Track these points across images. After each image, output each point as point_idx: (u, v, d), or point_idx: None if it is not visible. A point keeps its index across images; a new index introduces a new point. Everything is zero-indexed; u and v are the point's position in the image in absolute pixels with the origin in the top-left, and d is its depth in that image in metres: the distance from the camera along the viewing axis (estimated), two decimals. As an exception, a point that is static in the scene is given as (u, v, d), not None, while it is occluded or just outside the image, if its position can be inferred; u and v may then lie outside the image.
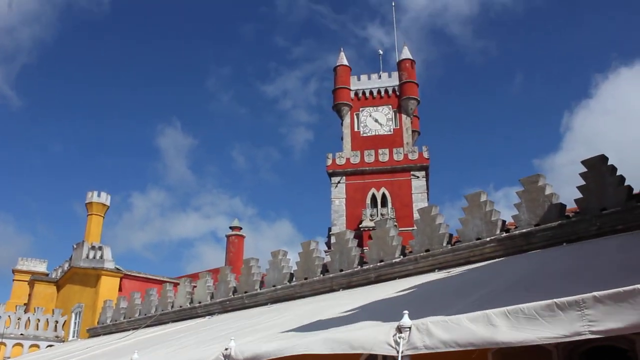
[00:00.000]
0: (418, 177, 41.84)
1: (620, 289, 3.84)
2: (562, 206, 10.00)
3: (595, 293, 3.97)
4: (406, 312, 5.49)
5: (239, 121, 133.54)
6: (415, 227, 12.85)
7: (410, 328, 5.34)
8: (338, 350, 5.83)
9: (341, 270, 14.26)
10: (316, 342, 6.12)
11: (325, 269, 15.03)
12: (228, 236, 29.45)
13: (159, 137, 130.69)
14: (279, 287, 16.09)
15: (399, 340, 5.34)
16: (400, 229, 15.84)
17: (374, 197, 41.91)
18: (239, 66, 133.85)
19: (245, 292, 17.39)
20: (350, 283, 13.78)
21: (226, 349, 7.55)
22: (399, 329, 5.42)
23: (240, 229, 29.80)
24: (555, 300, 4.19)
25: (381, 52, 51.37)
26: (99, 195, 31.89)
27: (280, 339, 7.26)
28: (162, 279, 27.08)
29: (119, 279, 26.99)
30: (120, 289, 26.58)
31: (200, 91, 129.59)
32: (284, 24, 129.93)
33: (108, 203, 32.41)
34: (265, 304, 16.18)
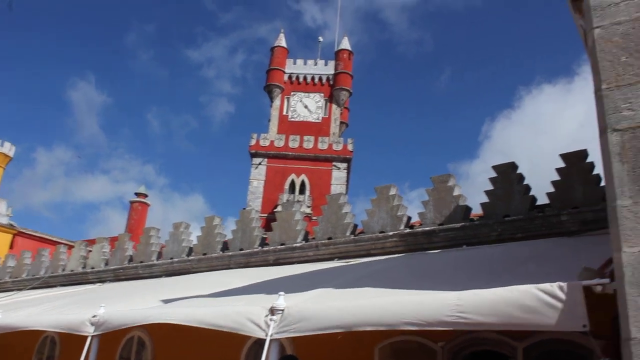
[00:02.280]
0: (339, 168, 41.84)
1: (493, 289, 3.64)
2: (468, 209, 9.90)
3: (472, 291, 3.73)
4: (282, 294, 5.08)
5: (157, 84, 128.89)
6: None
7: (283, 311, 4.93)
8: (203, 324, 5.35)
9: (241, 250, 13.77)
10: (182, 314, 5.62)
11: (225, 247, 14.50)
12: (131, 202, 28.14)
13: (69, 91, 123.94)
14: (176, 260, 15.41)
15: (269, 322, 4.93)
16: (314, 217, 15.50)
17: (292, 183, 41.58)
18: (163, 26, 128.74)
19: (141, 262, 16.58)
20: (249, 263, 13.32)
21: (94, 316, 6.99)
22: (272, 311, 5.00)
23: (146, 196, 28.58)
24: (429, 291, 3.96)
25: (321, 39, 50.98)
26: (2, 145, 29.73)
27: (151, 308, 6.71)
28: (58, 240, 25.61)
29: (11, 235, 25.32)
30: (11, 247, 24.95)
31: (119, 46, 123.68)
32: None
33: (11, 154, 30.36)
34: (160, 276, 15.49)
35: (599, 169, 8.22)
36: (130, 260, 17.16)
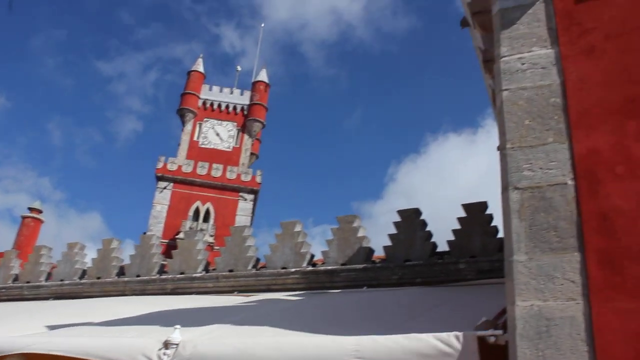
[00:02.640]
0: (246, 199, 41.53)
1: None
2: (371, 250, 10.05)
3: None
4: (178, 327, 4.89)
5: (62, 93, 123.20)
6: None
7: (177, 345, 4.74)
8: (91, 357, 5.03)
9: (138, 276, 13.23)
10: (68, 344, 5.27)
11: (121, 272, 13.89)
12: (23, 217, 26.46)
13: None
14: (67, 282, 14.55)
15: (162, 357, 4.72)
16: (216, 247, 15.17)
17: (197, 211, 40.79)
18: (75, 34, 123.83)
19: (28, 282, 15.53)
20: (145, 290, 12.80)
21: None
22: (166, 345, 4.79)
23: (40, 212, 26.96)
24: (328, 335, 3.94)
25: (239, 68, 51.01)
26: None
27: (34, 334, 6.25)
28: None
29: None
30: None
31: (24, 48, 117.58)
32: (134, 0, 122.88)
33: None
34: (48, 298, 14.56)
35: (496, 221, 8.64)
36: (16, 279, 16.05)
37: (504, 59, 3.96)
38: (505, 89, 3.86)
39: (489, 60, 5.02)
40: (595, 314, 3.21)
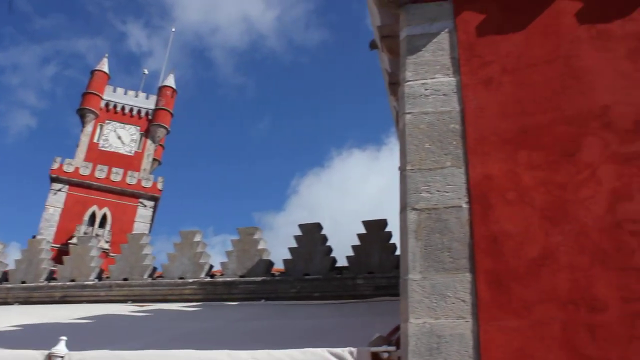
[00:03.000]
0: (146, 206, 40.29)
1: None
2: (270, 263, 10.04)
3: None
4: (63, 338, 4.64)
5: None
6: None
7: (63, 358, 4.50)
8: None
9: (23, 282, 12.46)
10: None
11: (5, 278, 13.02)
12: None
13: None
14: (-60, 287, 13.46)
15: (45, 370, 4.45)
16: (112, 254, 14.55)
17: (93, 215, 39.09)
18: None
19: None
20: (30, 298, 12.07)
21: None
22: (50, 357, 4.54)
23: None
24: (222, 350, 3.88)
25: (146, 72, 49.66)
26: None
27: None
28: None
29: None
30: None
31: None
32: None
33: None
34: None
35: (395, 239, 8.88)
36: None
37: (408, 83, 4.11)
38: (408, 113, 4.00)
39: (395, 83, 5.19)
40: (483, 332, 3.36)
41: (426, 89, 4.07)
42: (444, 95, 4.02)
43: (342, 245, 9.48)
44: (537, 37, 4.14)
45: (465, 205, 3.69)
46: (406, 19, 4.37)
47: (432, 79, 4.10)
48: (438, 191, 3.76)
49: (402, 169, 3.90)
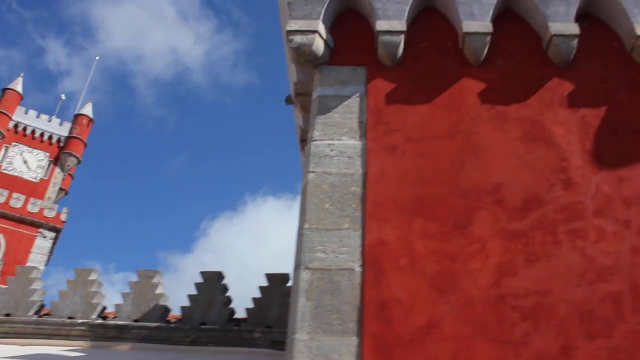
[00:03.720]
0: (46, 237, 38.23)
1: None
2: (167, 309, 9.67)
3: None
4: None
5: None
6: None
7: None
8: None
9: None
10: None
11: None
12: None
13: None
14: None
15: None
16: (1, 285, 13.60)
17: (-15, 242, 36.62)
18: None
19: None
20: None
21: None
22: None
23: None
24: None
25: (63, 97, 48.03)
26: None
27: None
28: None
29: None
30: None
31: None
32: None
33: None
34: None
35: (295, 294, 8.79)
36: None
37: (315, 142, 4.16)
38: (312, 171, 4.04)
39: (305, 140, 5.25)
40: (363, 398, 3.34)
41: (332, 150, 4.14)
42: (348, 157, 4.10)
43: (245, 295, 9.31)
44: (442, 111, 4.33)
45: (358, 269, 3.71)
46: (320, 79, 4.47)
47: (339, 140, 4.17)
48: (333, 252, 3.77)
49: (300, 227, 3.90)
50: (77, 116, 43.75)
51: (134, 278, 10.09)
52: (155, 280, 9.89)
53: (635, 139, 4.30)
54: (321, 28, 4.53)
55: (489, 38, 4.54)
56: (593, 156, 4.22)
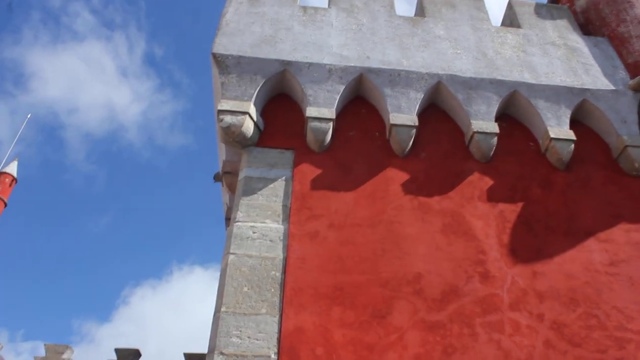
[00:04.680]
0: (-49, 300, 35.68)
1: None
2: (74, 387, 9.08)
3: None
4: None
5: None
6: None
7: None
8: None
9: None
10: None
11: None
12: None
13: None
14: None
15: None
16: None
17: None
18: None
19: None
20: None
21: None
22: None
23: None
24: None
25: (-13, 154, 46.10)
26: None
27: None
28: None
29: None
30: None
31: None
32: None
33: None
34: None
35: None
36: None
37: (237, 224, 4.11)
38: (232, 253, 3.97)
39: (230, 219, 5.18)
40: None
41: (254, 232, 4.09)
42: (270, 241, 4.06)
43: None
44: (366, 199, 4.40)
45: (273, 356, 3.61)
46: (247, 160, 4.48)
47: (262, 223, 4.14)
48: (249, 337, 3.66)
49: (217, 311, 3.78)
50: (0, 174, 42.00)
51: (38, 357, 9.47)
52: (65, 356, 9.31)
53: (548, 235, 4.47)
54: (252, 110, 4.58)
55: (414, 131, 4.71)
56: (509, 250, 4.35)
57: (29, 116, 50.13)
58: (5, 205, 40.86)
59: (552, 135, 4.83)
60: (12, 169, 42.11)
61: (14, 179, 41.86)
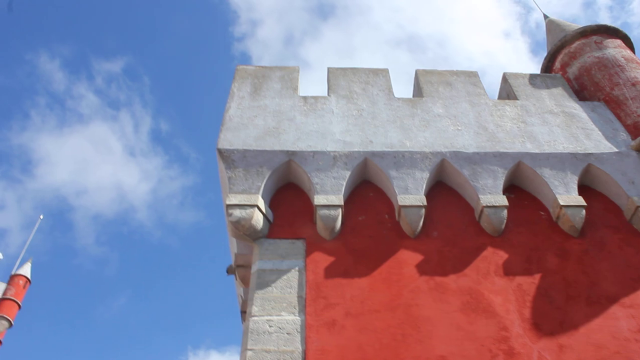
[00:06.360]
0: (-34, 410, 34.79)
1: None
2: None
3: None
4: None
5: None
6: None
7: None
8: None
9: None
10: None
11: None
12: None
13: None
14: None
15: None
16: None
17: None
18: None
19: None
20: None
21: None
22: None
23: None
24: None
25: (1, 257, 46.19)
26: None
27: None
28: None
29: None
30: None
31: None
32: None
33: None
34: None
35: None
36: None
37: (253, 318, 4.06)
38: (250, 349, 3.88)
39: (245, 312, 5.12)
40: None
41: (270, 326, 4.03)
42: (287, 334, 3.99)
43: None
44: (381, 283, 4.35)
45: None
46: (259, 253, 4.47)
47: (278, 316, 4.08)
48: None
49: (237, 412, 3.67)
50: (14, 276, 41.94)
51: None
52: None
53: (570, 305, 4.37)
54: (261, 202, 4.61)
55: (423, 210, 4.71)
56: (532, 324, 4.24)
57: (40, 217, 50.51)
58: (19, 307, 40.59)
59: (562, 203, 4.82)
60: (26, 270, 42.12)
61: (27, 281, 41.78)
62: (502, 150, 5.15)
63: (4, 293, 40.62)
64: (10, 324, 40.07)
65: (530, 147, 5.22)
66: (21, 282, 41.56)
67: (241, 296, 5.53)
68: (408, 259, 4.52)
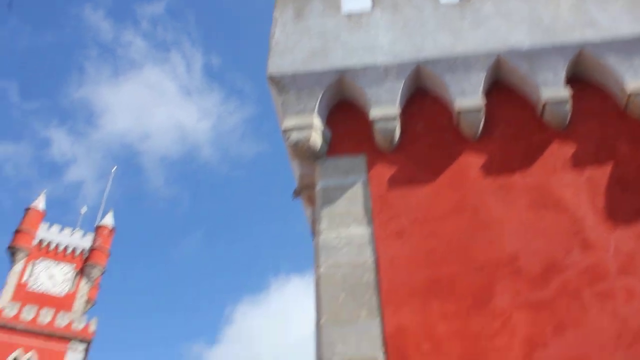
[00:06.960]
0: (76, 349, 37.92)
1: None
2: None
3: None
4: None
5: None
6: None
7: None
8: None
9: None
10: None
11: None
12: None
13: None
14: None
15: None
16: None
17: (16, 362, 36.36)
18: None
19: None
20: None
21: None
22: None
23: None
24: None
25: (84, 210, 48.86)
26: None
27: None
28: None
29: None
30: None
31: None
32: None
33: None
34: None
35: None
36: None
37: (322, 235, 4.18)
38: (322, 265, 4.02)
39: (315, 232, 5.26)
40: None
41: (340, 240, 4.14)
42: (357, 246, 4.09)
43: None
44: (445, 189, 4.35)
45: (381, 358, 3.63)
46: (321, 172, 4.54)
47: (347, 230, 4.18)
48: (354, 344, 3.70)
49: (317, 321, 3.85)
50: (98, 227, 44.38)
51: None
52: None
53: (645, 193, 4.25)
54: (316, 122, 4.64)
55: (482, 112, 4.62)
56: (606, 215, 4.17)
57: (113, 169, 52.81)
58: (109, 255, 43.15)
59: (630, 90, 4.60)
60: (108, 220, 44.44)
61: (111, 230, 44.14)
62: (560, 41, 4.92)
63: (93, 243, 43.16)
64: (103, 271, 42.77)
65: (591, 35, 4.95)
66: (106, 232, 43.97)
67: (309, 217, 5.67)
68: (471, 161, 4.48)
